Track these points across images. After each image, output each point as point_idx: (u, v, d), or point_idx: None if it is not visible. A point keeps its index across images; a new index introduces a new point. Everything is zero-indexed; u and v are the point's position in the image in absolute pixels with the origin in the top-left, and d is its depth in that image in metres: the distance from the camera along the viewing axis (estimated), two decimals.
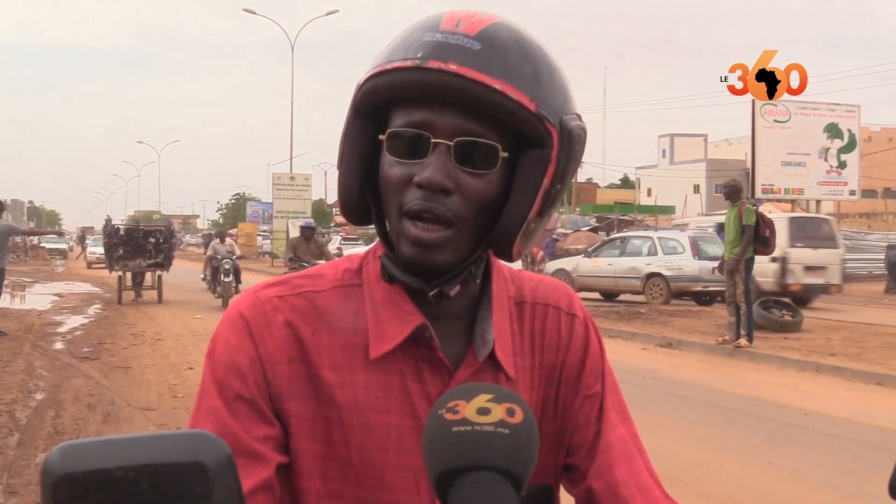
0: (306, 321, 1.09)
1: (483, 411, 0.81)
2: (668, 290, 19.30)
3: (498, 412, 0.81)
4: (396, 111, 1.05)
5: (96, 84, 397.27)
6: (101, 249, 24.64)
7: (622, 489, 1.11)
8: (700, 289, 19.29)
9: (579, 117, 1.08)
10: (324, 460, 1.06)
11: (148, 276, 21.84)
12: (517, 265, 1.24)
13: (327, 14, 43.43)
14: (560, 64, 1.08)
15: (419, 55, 1.01)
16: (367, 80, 1.06)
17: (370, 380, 1.07)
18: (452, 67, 0.99)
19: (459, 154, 1.02)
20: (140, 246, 21.34)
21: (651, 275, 19.71)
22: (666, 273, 19.42)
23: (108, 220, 22.25)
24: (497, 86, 0.99)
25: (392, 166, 1.04)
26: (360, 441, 1.06)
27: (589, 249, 22.15)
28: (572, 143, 1.05)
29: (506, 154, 1.03)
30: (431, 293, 1.06)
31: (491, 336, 1.10)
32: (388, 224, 1.09)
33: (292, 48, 44.98)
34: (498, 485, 0.78)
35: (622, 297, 20.99)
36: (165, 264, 21.42)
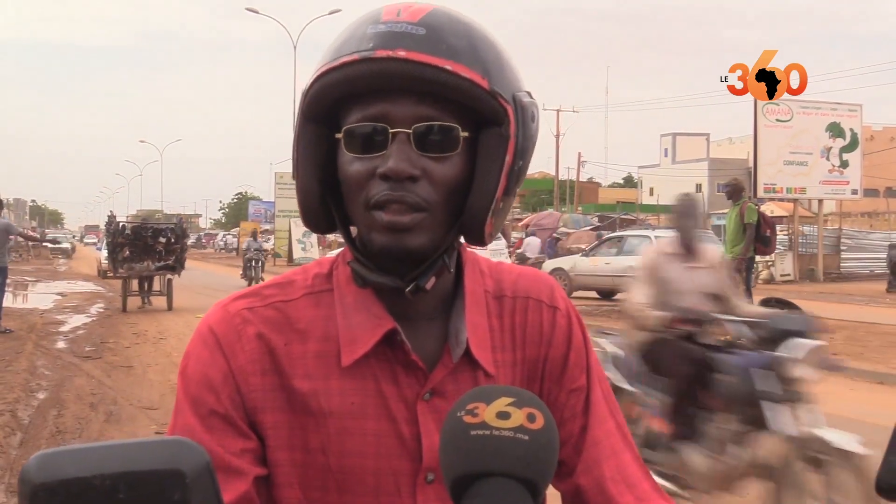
0: (277, 332, 1.07)
1: (503, 415, 0.79)
2: None
3: (518, 417, 0.79)
4: (348, 108, 1.04)
5: (99, 83, 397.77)
6: None
7: (610, 485, 1.10)
8: None
9: (530, 94, 1.08)
10: (303, 469, 1.06)
11: (156, 279, 19.42)
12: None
13: (330, 13, 43.38)
14: (504, 44, 1.08)
15: (365, 47, 1.00)
16: (314, 82, 1.04)
17: (345, 386, 1.06)
18: (401, 54, 0.98)
19: (419, 140, 1.01)
20: (149, 247, 18.86)
21: None
22: None
23: (112, 217, 19.82)
24: (448, 66, 0.99)
25: (352, 163, 1.03)
26: (337, 448, 1.05)
27: (586, 248, 22.22)
28: (527, 118, 1.05)
29: (466, 134, 1.03)
30: (408, 289, 1.05)
31: (464, 335, 1.08)
32: (353, 227, 1.08)
33: (295, 47, 45.00)
34: (514, 493, 0.77)
35: (620, 295, 20.99)
36: (177, 267, 19.09)
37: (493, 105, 1.02)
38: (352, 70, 1.00)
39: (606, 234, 23.62)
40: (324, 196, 1.09)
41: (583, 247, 23.82)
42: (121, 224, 19.63)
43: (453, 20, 1.04)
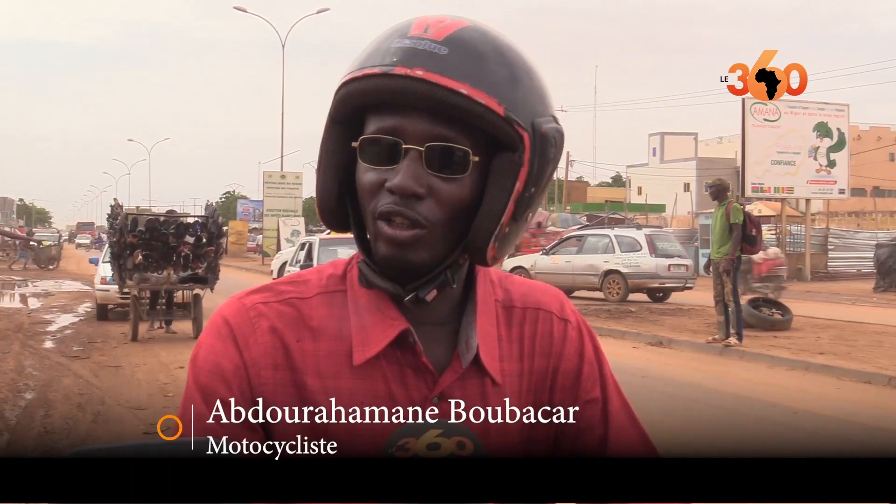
0: (291, 328, 1.09)
1: (433, 447, 0.81)
2: (626, 287, 19.73)
3: (448, 446, 0.81)
4: (370, 117, 1.06)
5: (86, 81, 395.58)
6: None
7: None
8: (657, 285, 19.79)
9: (555, 119, 1.08)
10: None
11: (177, 294, 13.65)
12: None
13: (318, 12, 43.34)
14: (535, 65, 1.08)
15: (387, 62, 1.02)
16: (340, 88, 1.07)
17: (355, 385, 1.07)
18: (418, 73, 1.00)
19: (430, 159, 1.03)
20: (170, 249, 13.29)
21: (609, 272, 20.08)
22: (623, 270, 19.80)
23: (118, 208, 13.83)
24: (463, 90, 1.00)
25: (365, 172, 1.05)
26: (346, 448, 1.06)
27: (547, 247, 22.37)
28: (546, 146, 1.06)
29: (476, 158, 1.04)
30: (407, 298, 1.07)
31: (475, 341, 1.10)
32: (366, 229, 1.10)
33: (283, 46, 44.91)
34: None
35: (579, 293, 21.10)
36: (210, 278, 13.22)
37: (507, 131, 1.03)
38: (371, 83, 1.03)
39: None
40: (342, 196, 1.11)
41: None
42: (130, 217, 13.50)
43: (481, 40, 1.04)
